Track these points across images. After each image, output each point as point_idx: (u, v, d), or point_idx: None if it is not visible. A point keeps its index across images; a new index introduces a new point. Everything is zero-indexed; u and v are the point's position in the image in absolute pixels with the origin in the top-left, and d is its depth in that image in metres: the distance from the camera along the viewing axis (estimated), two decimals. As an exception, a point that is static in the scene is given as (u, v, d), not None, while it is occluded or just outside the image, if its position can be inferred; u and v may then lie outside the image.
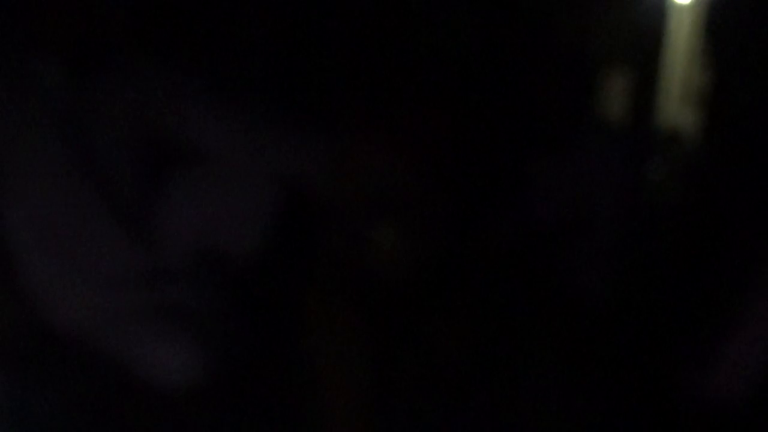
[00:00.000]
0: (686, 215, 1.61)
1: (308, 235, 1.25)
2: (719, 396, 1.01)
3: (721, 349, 1.05)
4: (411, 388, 0.47)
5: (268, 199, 1.26)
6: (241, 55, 1.39)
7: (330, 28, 1.21)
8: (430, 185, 0.40)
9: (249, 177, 1.24)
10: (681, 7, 1.69)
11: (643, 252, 1.54)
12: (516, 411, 0.45)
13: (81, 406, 0.98)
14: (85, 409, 0.97)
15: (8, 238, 1.15)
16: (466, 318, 0.46)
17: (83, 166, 1.12)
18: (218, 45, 1.37)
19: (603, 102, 1.67)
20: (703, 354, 1.07)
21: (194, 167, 1.28)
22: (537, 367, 0.46)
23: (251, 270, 1.31)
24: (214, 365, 1.01)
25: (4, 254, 1.16)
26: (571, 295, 1.25)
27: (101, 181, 1.15)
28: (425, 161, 0.41)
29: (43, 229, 1.14)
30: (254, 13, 1.27)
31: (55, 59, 1.05)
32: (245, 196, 1.24)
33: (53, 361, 1.12)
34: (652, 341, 1.22)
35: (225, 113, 1.21)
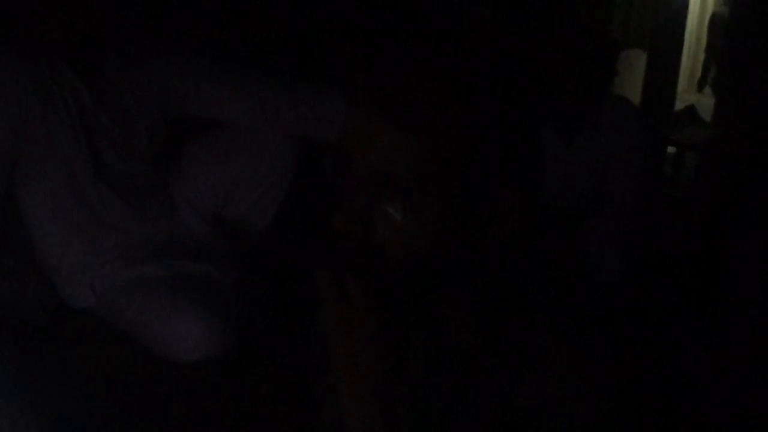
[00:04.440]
0: (704, 194, 1.61)
1: (320, 205, 1.25)
2: (734, 389, 1.00)
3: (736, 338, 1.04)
4: (422, 365, 0.47)
5: (283, 166, 1.24)
6: (252, 22, 1.38)
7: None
8: (445, 160, 0.40)
9: (264, 145, 1.24)
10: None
11: (659, 233, 1.54)
12: (526, 393, 0.45)
13: (99, 379, 0.98)
14: (103, 383, 0.97)
15: (27, 216, 1.15)
16: (477, 299, 0.46)
17: (98, 145, 1.12)
18: (231, 14, 1.37)
19: (621, 81, 1.66)
20: (717, 345, 1.07)
21: (209, 139, 1.28)
22: (548, 347, 0.46)
23: (267, 241, 1.32)
24: (231, 337, 1.01)
25: (24, 233, 1.16)
26: (586, 276, 1.25)
27: (117, 158, 1.15)
28: (441, 134, 0.40)
29: (62, 208, 1.13)
30: None
31: (63, 52, 1.05)
32: (260, 164, 1.23)
33: (73, 336, 1.12)
34: (668, 327, 1.22)
35: (236, 82, 1.20)
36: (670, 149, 2.43)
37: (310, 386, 0.52)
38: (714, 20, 5.64)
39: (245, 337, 1.01)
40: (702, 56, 6.24)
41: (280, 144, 1.18)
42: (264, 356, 1.00)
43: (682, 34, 3.43)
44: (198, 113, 1.18)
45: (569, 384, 0.43)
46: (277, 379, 0.96)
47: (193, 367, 0.98)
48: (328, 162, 1.14)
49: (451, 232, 0.43)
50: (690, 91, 5.65)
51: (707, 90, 5.65)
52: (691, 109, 2.48)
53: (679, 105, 3.27)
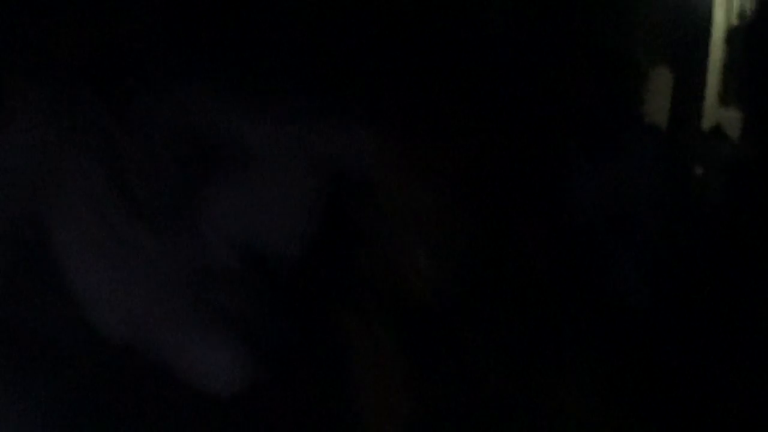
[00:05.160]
0: (730, 215, 1.60)
1: (349, 239, 1.27)
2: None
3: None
4: (447, 406, 0.48)
5: (311, 198, 1.27)
6: (277, 50, 1.40)
7: (373, 23, 1.21)
8: (469, 197, 0.41)
9: (291, 175, 1.26)
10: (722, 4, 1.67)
11: (686, 253, 1.53)
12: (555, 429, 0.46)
13: (127, 411, 1.00)
14: (131, 414, 0.99)
15: (54, 245, 1.18)
16: (503, 336, 0.47)
17: (124, 174, 1.15)
18: (253, 42, 1.39)
19: (645, 100, 1.66)
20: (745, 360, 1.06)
21: (236, 168, 1.30)
22: (576, 382, 0.47)
23: (295, 273, 1.33)
24: (259, 369, 1.02)
25: (51, 261, 1.19)
26: (614, 307, 1.24)
27: (143, 187, 1.18)
28: (466, 168, 0.41)
29: (90, 239, 1.16)
30: (290, 9, 1.28)
31: (84, 82, 1.08)
32: (288, 195, 1.25)
33: (98, 368, 1.14)
34: (694, 349, 1.22)
35: (264, 110, 1.23)
36: (698, 170, 2.40)
37: (335, 421, 0.53)
38: (735, 33, 5.59)
39: (276, 370, 1.02)
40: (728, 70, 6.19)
41: (308, 175, 1.20)
42: (293, 389, 1.01)
43: (707, 49, 3.38)
44: (226, 143, 1.20)
45: (601, 405, 0.44)
46: (305, 413, 0.97)
47: (225, 399, 1.00)
48: (356, 199, 1.15)
49: (479, 273, 0.44)
50: (718, 107, 5.60)
51: (735, 104, 5.59)
52: (717, 129, 2.45)
53: (708, 121, 3.23)
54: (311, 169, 1.26)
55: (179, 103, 1.20)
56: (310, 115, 1.22)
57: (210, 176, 1.30)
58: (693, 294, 1.38)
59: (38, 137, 1.07)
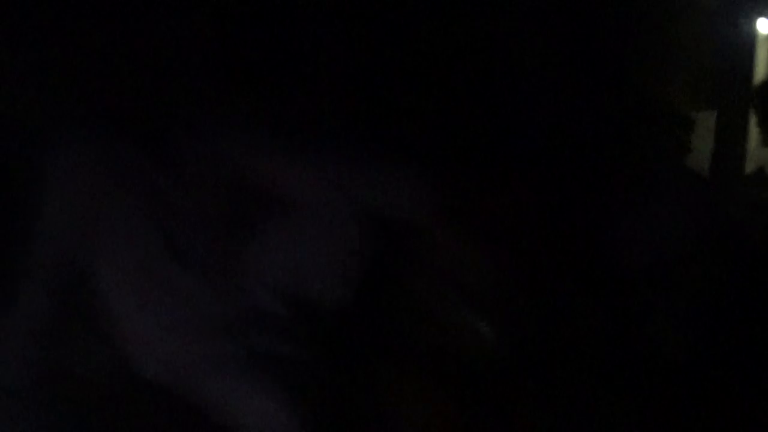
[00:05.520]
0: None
1: (392, 287, 1.27)
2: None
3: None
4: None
5: (355, 245, 1.27)
6: (321, 99, 1.41)
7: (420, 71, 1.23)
8: (514, 247, 0.41)
9: (335, 222, 1.26)
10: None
11: (731, 300, 1.50)
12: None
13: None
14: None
15: (97, 290, 1.19)
16: (548, 390, 0.46)
17: (167, 220, 1.16)
18: (296, 90, 1.41)
19: (688, 145, 1.65)
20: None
21: (280, 214, 1.31)
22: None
23: (338, 320, 1.33)
24: (300, 417, 1.02)
25: (94, 305, 1.20)
26: (656, 359, 1.23)
27: (186, 233, 1.19)
28: (511, 218, 0.41)
29: (131, 281, 1.17)
30: (334, 58, 1.30)
31: (128, 131, 1.10)
32: (331, 242, 1.26)
33: (140, 411, 1.15)
34: (736, 400, 1.19)
35: (307, 157, 1.23)
36: (741, 214, 2.37)
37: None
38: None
39: (317, 418, 1.02)
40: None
41: (352, 222, 1.20)
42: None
43: (750, 89, 3.36)
44: (270, 190, 1.21)
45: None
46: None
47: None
48: (399, 247, 1.15)
49: (524, 326, 0.44)
50: (761, 149, 5.51)
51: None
52: (761, 171, 2.44)
53: (751, 164, 3.19)
54: (355, 216, 1.26)
55: (223, 151, 1.22)
56: (353, 162, 1.23)
57: (254, 223, 1.31)
58: (737, 342, 1.36)
59: (82, 185, 1.09)
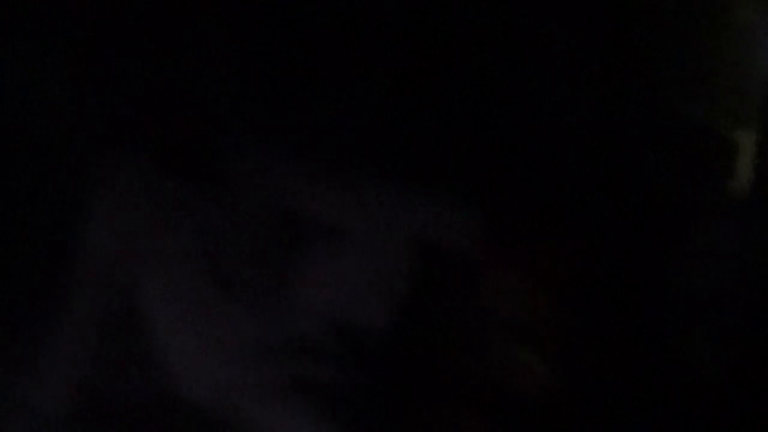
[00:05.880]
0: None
1: (440, 315, 1.27)
2: None
3: None
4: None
5: (403, 273, 1.27)
6: (373, 127, 1.41)
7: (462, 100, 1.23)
8: (564, 279, 0.41)
9: (384, 250, 1.27)
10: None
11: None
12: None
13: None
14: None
15: (142, 314, 1.21)
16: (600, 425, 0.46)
17: (214, 247, 1.17)
18: (346, 119, 1.41)
19: (729, 169, 1.63)
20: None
21: (328, 242, 1.31)
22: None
23: (385, 348, 1.32)
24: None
25: (140, 331, 1.22)
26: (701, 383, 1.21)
27: (234, 260, 1.20)
28: (561, 248, 0.41)
29: (176, 306, 1.19)
30: (377, 86, 1.31)
31: (178, 159, 1.12)
32: (380, 269, 1.23)
33: (186, 429, 1.16)
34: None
35: (356, 185, 1.25)
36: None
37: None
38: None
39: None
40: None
41: (400, 250, 1.20)
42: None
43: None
44: (319, 218, 1.21)
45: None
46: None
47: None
48: (448, 275, 1.15)
49: (573, 360, 0.44)
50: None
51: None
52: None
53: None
54: (403, 245, 1.26)
55: (270, 180, 1.23)
56: (403, 191, 1.23)
57: (300, 250, 1.31)
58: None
59: (130, 213, 1.11)
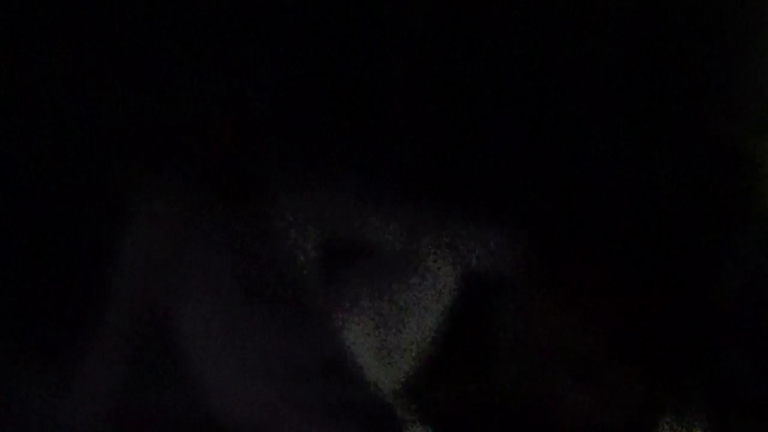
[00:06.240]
0: None
1: (482, 342, 1.26)
2: None
3: None
4: None
5: (443, 297, 1.27)
6: (414, 149, 1.41)
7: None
8: (611, 310, 0.41)
9: (423, 273, 1.26)
10: None
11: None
12: None
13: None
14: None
15: (174, 335, 1.21)
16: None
17: (250, 267, 1.18)
18: (386, 141, 1.41)
19: (760, 189, 1.62)
20: None
21: (367, 265, 1.31)
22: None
23: (425, 372, 1.32)
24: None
25: (174, 352, 1.22)
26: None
27: (270, 281, 1.21)
28: (608, 278, 0.42)
29: (210, 328, 1.19)
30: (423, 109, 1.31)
31: (213, 180, 1.12)
32: (419, 293, 1.27)
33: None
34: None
35: (396, 207, 1.25)
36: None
37: None
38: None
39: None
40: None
41: (440, 274, 1.21)
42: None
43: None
44: (357, 240, 1.22)
45: None
46: None
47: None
48: (490, 301, 1.15)
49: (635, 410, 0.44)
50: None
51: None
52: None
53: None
54: (446, 270, 1.27)
55: (309, 202, 1.23)
56: (444, 213, 1.23)
57: (339, 273, 1.32)
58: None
59: (165, 234, 1.12)
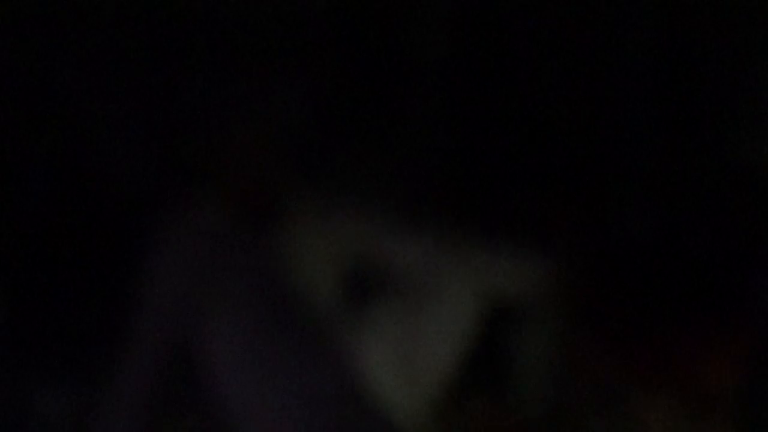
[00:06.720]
0: None
1: (505, 369, 1.25)
2: None
3: None
4: None
5: (469, 325, 1.26)
6: (443, 181, 1.40)
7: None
8: (637, 343, 0.41)
9: (452, 299, 1.25)
10: None
11: None
12: None
13: None
14: None
15: (202, 363, 1.21)
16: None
17: (280, 296, 1.18)
18: (414, 167, 1.41)
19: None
20: None
21: (395, 293, 1.30)
22: None
23: (450, 397, 1.31)
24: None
25: (198, 379, 1.22)
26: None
27: (299, 310, 1.20)
28: (635, 311, 0.41)
29: (237, 356, 1.19)
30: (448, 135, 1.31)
31: (242, 209, 1.13)
32: (446, 321, 1.26)
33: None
34: None
35: (425, 237, 1.24)
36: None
37: None
38: None
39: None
40: None
41: (467, 303, 1.20)
42: None
43: None
44: (386, 269, 1.22)
45: None
46: None
47: None
48: (515, 331, 1.14)
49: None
50: None
51: None
52: None
53: None
54: (471, 298, 1.26)
55: (337, 229, 1.23)
56: (466, 241, 1.23)
57: (368, 300, 1.31)
58: None
59: (193, 262, 1.13)
